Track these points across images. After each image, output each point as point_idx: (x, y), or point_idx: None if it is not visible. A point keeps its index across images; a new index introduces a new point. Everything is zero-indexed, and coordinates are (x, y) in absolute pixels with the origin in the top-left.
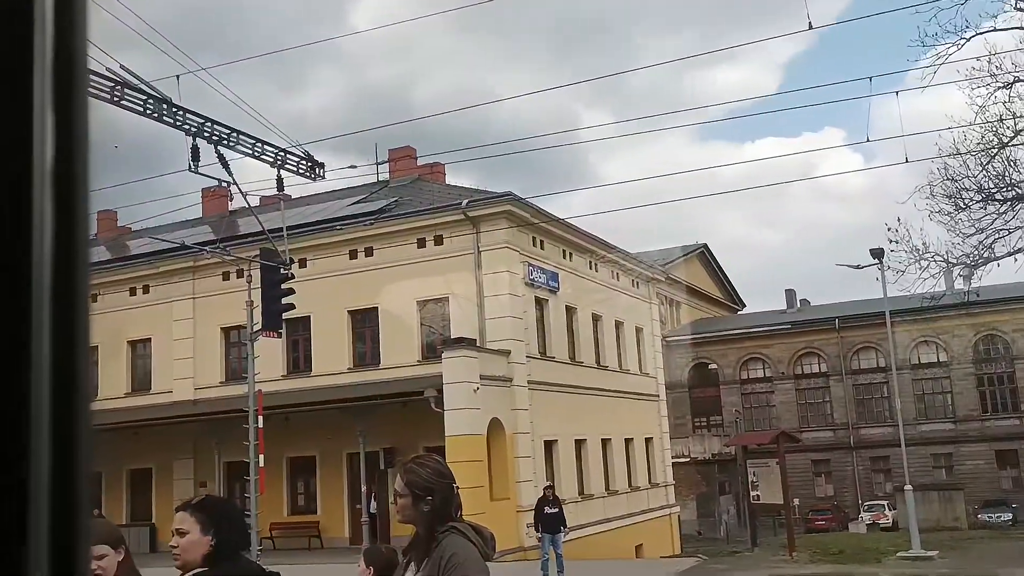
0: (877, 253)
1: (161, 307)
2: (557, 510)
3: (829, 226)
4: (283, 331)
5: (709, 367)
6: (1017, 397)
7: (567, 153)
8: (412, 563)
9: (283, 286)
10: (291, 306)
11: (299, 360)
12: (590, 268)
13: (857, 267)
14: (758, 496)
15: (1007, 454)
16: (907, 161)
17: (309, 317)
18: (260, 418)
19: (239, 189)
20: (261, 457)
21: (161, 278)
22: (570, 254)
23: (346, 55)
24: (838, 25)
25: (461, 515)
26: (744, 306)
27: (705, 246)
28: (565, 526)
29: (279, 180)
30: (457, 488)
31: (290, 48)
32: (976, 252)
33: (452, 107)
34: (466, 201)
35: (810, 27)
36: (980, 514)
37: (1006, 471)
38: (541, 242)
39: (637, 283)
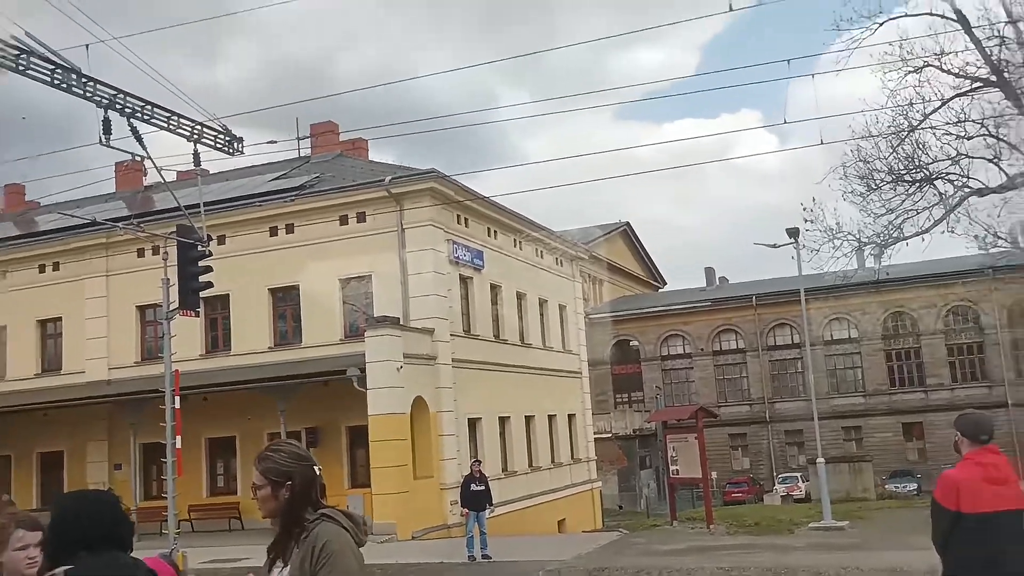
0: (793, 232)
1: (73, 285)
2: (483, 488)
3: (748, 206)
4: (201, 309)
5: (631, 344)
6: (923, 372)
7: (490, 130)
8: (278, 560)
9: (201, 263)
10: (209, 284)
11: (218, 339)
12: (514, 246)
13: (774, 246)
14: (677, 471)
15: (913, 426)
16: (822, 143)
17: (228, 295)
18: (177, 398)
19: (153, 163)
20: (179, 438)
21: (73, 255)
22: (495, 232)
23: (264, 26)
24: (757, 7)
25: (324, 498)
26: (665, 283)
27: (627, 224)
28: (491, 503)
29: (196, 154)
30: (319, 470)
31: (205, 19)
32: (886, 232)
33: (374, 82)
34: (389, 177)
35: (730, 8)
36: (887, 484)
37: (912, 442)
38: (466, 220)
39: (561, 261)
